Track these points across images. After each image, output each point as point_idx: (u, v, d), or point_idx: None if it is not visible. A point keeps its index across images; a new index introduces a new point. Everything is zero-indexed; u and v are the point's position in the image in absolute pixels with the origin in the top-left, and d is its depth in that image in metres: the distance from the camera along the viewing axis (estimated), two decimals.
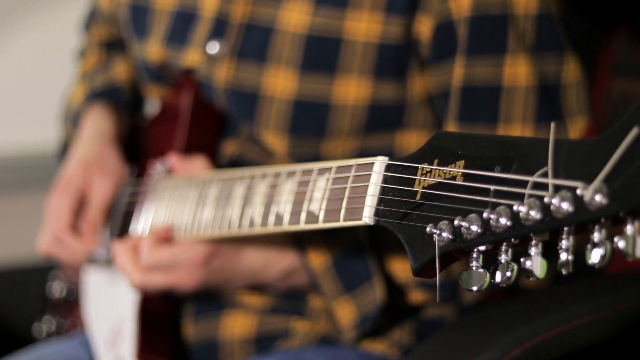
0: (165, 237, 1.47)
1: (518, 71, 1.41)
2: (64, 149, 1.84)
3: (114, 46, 1.86)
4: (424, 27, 1.43)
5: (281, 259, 1.49)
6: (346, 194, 1.12)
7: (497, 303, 1.57)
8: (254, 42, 1.52)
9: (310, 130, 1.49)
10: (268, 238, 1.48)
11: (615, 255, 1.68)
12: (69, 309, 1.83)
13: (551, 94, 1.43)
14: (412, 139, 1.51)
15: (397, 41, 1.45)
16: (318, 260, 1.48)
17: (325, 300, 1.51)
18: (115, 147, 1.69)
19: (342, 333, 1.51)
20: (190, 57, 1.58)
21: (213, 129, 1.57)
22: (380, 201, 1.06)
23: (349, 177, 1.12)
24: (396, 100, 1.48)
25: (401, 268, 1.49)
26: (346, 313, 1.48)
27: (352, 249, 1.48)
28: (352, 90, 1.47)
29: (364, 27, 1.45)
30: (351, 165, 1.13)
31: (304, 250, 1.48)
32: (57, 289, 1.86)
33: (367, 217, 1.07)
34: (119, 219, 1.62)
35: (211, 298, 1.58)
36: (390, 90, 1.47)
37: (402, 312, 1.55)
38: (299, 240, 1.49)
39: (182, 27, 1.60)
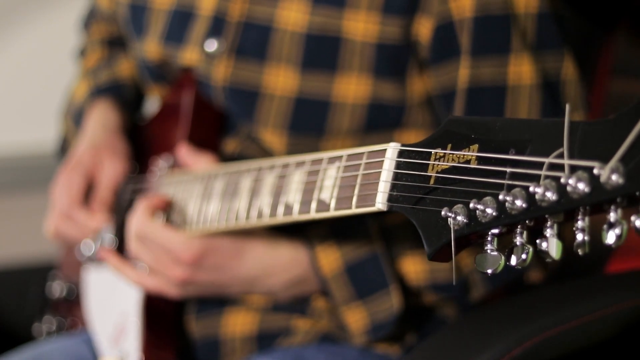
0: (160, 206, 1.46)
1: (522, 70, 1.42)
2: (64, 146, 1.84)
3: (115, 44, 1.86)
4: (424, 28, 1.44)
5: (286, 269, 1.48)
6: (358, 181, 1.12)
7: (497, 303, 1.57)
8: (252, 40, 1.52)
9: (310, 129, 1.50)
10: (274, 246, 1.47)
11: (615, 254, 1.69)
12: (69, 308, 1.82)
13: (553, 90, 1.44)
14: (411, 139, 1.51)
15: (395, 42, 1.46)
16: (330, 265, 1.47)
17: (333, 304, 1.51)
18: (123, 136, 1.69)
19: (352, 337, 1.51)
20: (189, 56, 1.58)
21: (214, 126, 1.57)
22: (393, 187, 1.06)
23: (360, 164, 1.12)
24: (396, 100, 1.48)
25: (413, 270, 1.49)
26: (357, 319, 1.48)
27: (366, 255, 1.48)
28: (352, 88, 1.47)
29: (362, 27, 1.46)
30: (362, 153, 1.13)
31: (316, 254, 1.48)
32: (57, 288, 1.85)
33: (380, 203, 1.07)
34: (122, 216, 1.62)
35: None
36: (390, 90, 1.48)
37: (407, 311, 1.55)
38: (310, 244, 1.48)
39: (179, 25, 1.60)
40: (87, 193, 1.64)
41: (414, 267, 1.49)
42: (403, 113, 1.50)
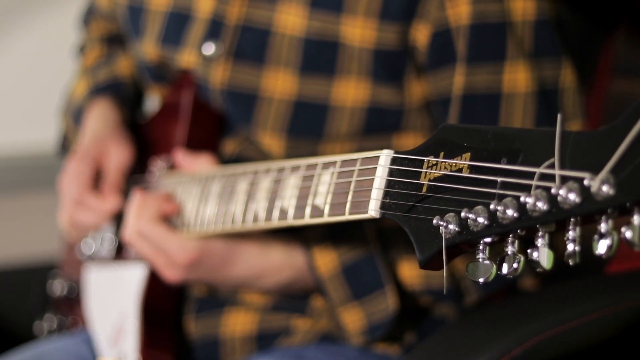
0: (171, 214, 1.47)
1: (517, 77, 1.42)
2: (64, 144, 1.84)
3: (114, 41, 1.86)
4: (421, 35, 1.44)
5: (278, 272, 1.48)
6: (351, 187, 1.12)
7: (497, 303, 1.57)
8: (251, 44, 1.52)
9: (309, 132, 1.50)
10: (266, 250, 1.47)
11: (615, 254, 1.69)
12: (70, 307, 1.83)
13: (549, 98, 1.44)
14: (409, 142, 1.51)
15: (393, 47, 1.46)
16: (327, 266, 1.48)
17: (330, 305, 1.51)
18: (125, 129, 1.69)
19: (350, 338, 1.51)
20: (186, 58, 1.58)
21: (213, 127, 1.57)
22: (386, 194, 1.06)
23: (354, 170, 1.12)
24: (395, 104, 1.48)
25: (408, 275, 1.49)
26: (354, 320, 1.48)
27: (362, 256, 1.48)
28: (350, 91, 1.47)
29: (359, 33, 1.46)
30: (356, 159, 1.13)
31: (313, 255, 1.48)
32: (58, 287, 1.85)
33: (373, 210, 1.07)
34: (120, 216, 1.62)
35: (213, 296, 1.58)
36: (389, 94, 1.47)
37: (405, 311, 1.55)
38: (307, 245, 1.48)
39: (176, 28, 1.60)
40: (96, 182, 1.63)
41: (410, 271, 1.49)
42: (402, 117, 1.50)
